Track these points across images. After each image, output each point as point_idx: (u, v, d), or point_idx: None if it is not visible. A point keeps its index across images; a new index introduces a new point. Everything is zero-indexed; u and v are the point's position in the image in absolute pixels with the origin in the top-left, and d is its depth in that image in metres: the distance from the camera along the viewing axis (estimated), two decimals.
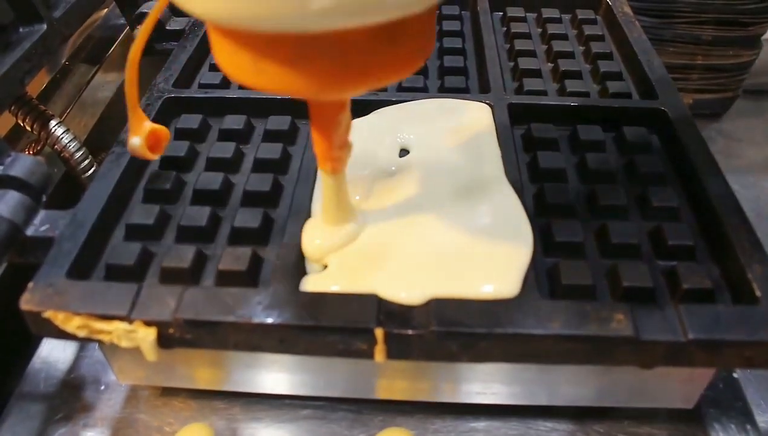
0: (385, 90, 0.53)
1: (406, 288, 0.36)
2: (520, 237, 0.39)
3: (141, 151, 0.41)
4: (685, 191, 0.44)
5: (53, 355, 0.48)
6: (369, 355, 0.34)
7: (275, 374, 0.42)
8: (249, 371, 0.42)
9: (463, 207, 0.41)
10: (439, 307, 0.35)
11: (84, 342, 0.48)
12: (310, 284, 0.37)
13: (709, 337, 0.33)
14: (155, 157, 0.43)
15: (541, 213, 0.42)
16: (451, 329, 0.34)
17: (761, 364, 0.35)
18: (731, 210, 0.40)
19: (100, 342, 0.36)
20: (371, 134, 0.48)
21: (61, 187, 0.54)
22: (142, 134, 0.41)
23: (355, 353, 0.34)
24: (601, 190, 0.43)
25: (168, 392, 0.45)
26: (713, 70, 0.82)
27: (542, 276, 0.38)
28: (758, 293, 0.35)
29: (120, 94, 0.67)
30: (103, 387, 0.46)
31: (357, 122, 0.49)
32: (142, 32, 0.36)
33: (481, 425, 0.43)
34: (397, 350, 0.35)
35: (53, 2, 0.52)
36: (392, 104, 0.50)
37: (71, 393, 0.46)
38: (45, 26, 0.49)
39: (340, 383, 0.42)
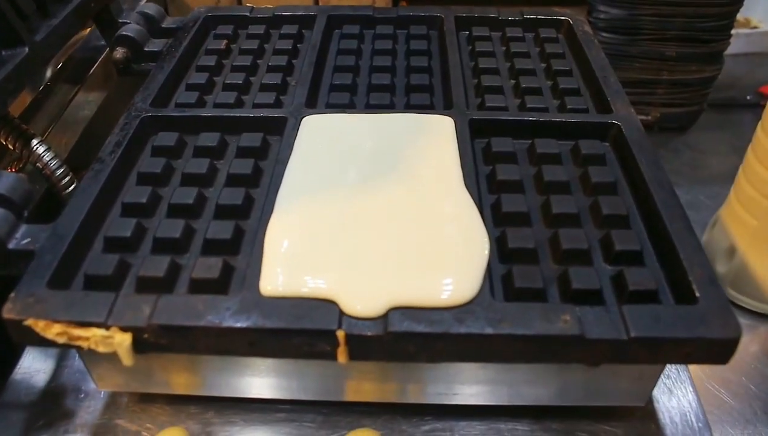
0: (353, 106, 0.55)
1: (364, 301, 0.38)
2: (476, 244, 0.41)
3: None
4: (635, 200, 0.47)
5: (35, 365, 0.50)
6: (332, 356, 0.37)
7: (248, 379, 0.44)
8: (223, 376, 0.44)
9: (422, 215, 0.43)
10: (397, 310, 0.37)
11: (64, 350, 0.50)
12: (270, 289, 0.39)
13: (649, 335, 0.36)
14: None
15: (498, 222, 0.44)
16: (408, 330, 0.36)
17: (699, 359, 0.37)
18: (676, 217, 0.43)
19: (79, 348, 0.37)
20: (337, 143, 0.50)
21: (43, 204, 0.56)
22: None
23: (319, 354, 0.37)
24: (556, 200, 0.45)
25: (146, 398, 0.47)
26: (678, 85, 0.85)
27: (497, 281, 0.41)
28: (697, 294, 0.38)
29: (100, 113, 0.69)
30: (83, 395, 0.47)
31: (323, 129, 0.51)
32: None
33: (445, 425, 0.45)
34: (358, 351, 0.37)
35: (35, 26, 0.54)
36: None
37: (52, 401, 0.47)
38: (27, 49, 0.51)
39: (310, 387, 0.44)
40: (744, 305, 0.59)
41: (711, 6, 0.78)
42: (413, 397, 0.44)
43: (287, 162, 0.48)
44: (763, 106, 0.92)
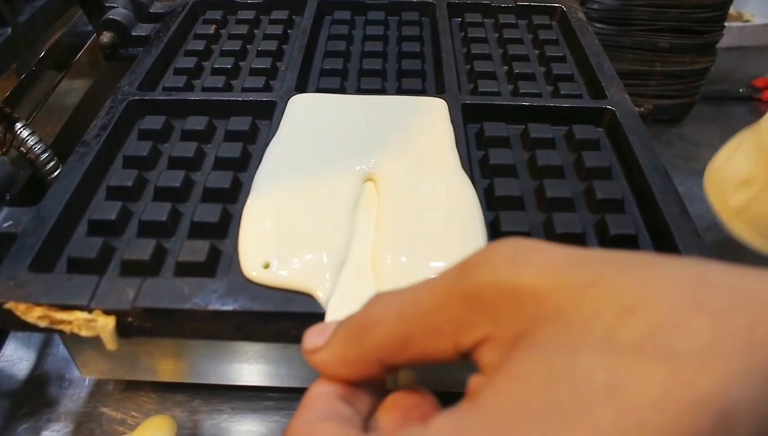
0: (344, 91, 0.55)
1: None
2: (476, 235, 0.40)
3: None
4: (629, 185, 0.46)
5: (17, 353, 0.49)
6: None
7: (236, 365, 0.43)
8: (210, 363, 0.43)
9: (414, 200, 0.42)
10: None
11: (47, 337, 0.49)
12: (255, 275, 0.38)
13: None
14: None
15: (491, 206, 0.44)
16: None
17: None
18: (671, 202, 0.42)
19: (62, 333, 0.36)
20: (325, 123, 0.49)
21: (28, 189, 0.55)
22: None
23: None
24: (550, 185, 0.44)
25: (131, 386, 0.46)
26: (671, 76, 0.85)
27: None
28: None
29: (86, 100, 0.68)
30: (66, 383, 0.47)
31: (311, 107, 0.50)
32: None
33: None
34: None
35: (19, 7, 0.53)
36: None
37: (35, 389, 0.46)
38: (9, 30, 0.50)
39: (299, 373, 0.43)
40: (757, 246, 0.54)
41: None
42: (403, 383, 0.44)
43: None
44: (756, 100, 0.93)
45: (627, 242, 0.41)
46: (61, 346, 0.48)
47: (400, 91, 0.55)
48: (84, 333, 0.36)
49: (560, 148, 0.49)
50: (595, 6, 0.78)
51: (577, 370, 0.16)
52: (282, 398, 0.45)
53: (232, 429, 0.44)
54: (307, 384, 0.43)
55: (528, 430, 0.16)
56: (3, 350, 0.49)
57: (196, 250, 0.39)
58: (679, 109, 0.89)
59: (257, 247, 0.39)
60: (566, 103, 0.52)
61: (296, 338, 0.36)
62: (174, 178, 0.45)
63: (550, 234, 0.41)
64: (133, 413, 0.45)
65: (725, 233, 0.72)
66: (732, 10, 0.84)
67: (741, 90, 0.95)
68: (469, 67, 0.59)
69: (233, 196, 0.44)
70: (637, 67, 0.83)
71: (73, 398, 0.46)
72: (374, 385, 0.25)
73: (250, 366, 0.43)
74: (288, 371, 0.43)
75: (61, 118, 0.64)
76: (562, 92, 0.54)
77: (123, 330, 0.36)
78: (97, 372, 0.44)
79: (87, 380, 0.46)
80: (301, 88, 0.55)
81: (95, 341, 0.36)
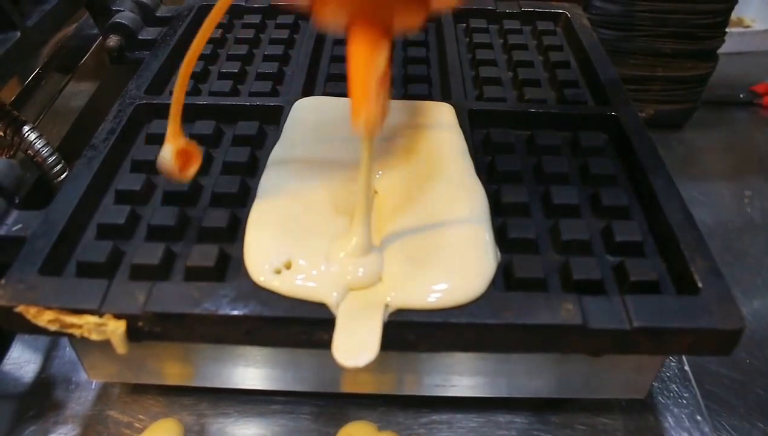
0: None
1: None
2: (485, 246, 0.40)
3: (169, 166, 0.40)
4: (634, 191, 0.46)
5: (24, 356, 0.49)
6: (330, 345, 0.36)
7: (243, 369, 0.43)
8: (217, 366, 0.43)
9: (429, 210, 0.42)
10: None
11: (54, 340, 0.49)
12: (263, 280, 0.38)
13: (652, 325, 0.35)
14: (183, 178, 0.41)
15: (498, 212, 0.44)
16: (409, 319, 0.35)
17: (702, 350, 0.37)
18: (676, 208, 0.42)
19: (71, 336, 0.36)
20: (329, 127, 0.49)
21: (35, 192, 0.55)
22: (175, 146, 0.40)
23: (317, 343, 0.36)
24: (556, 191, 0.45)
25: (138, 389, 0.46)
26: (673, 81, 0.85)
27: (498, 271, 0.40)
28: (699, 285, 0.37)
29: (92, 103, 0.68)
30: (73, 386, 0.47)
31: (316, 111, 0.50)
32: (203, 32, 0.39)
33: (443, 417, 0.45)
34: None
35: (27, 11, 0.53)
36: None
37: (42, 392, 0.46)
38: (18, 34, 0.50)
39: (306, 377, 0.44)
40: None
41: (706, 3, 0.78)
42: (410, 388, 0.44)
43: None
44: (757, 105, 0.93)
45: (633, 248, 0.41)
46: (67, 349, 0.48)
47: (406, 97, 0.55)
48: (94, 337, 0.36)
49: (565, 154, 0.49)
50: (598, 12, 0.79)
51: None
52: (288, 402, 0.45)
53: (239, 433, 0.44)
54: (314, 388, 0.44)
55: None
56: (9, 353, 0.49)
57: (206, 254, 0.40)
58: (681, 115, 0.89)
59: (264, 252, 0.39)
60: (571, 110, 0.52)
61: (305, 343, 0.36)
62: (182, 183, 0.45)
63: (557, 240, 0.42)
64: (140, 416, 0.45)
65: (728, 239, 0.72)
66: (732, 16, 0.84)
67: (741, 95, 0.95)
68: (474, 73, 0.59)
69: (242, 200, 0.44)
70: (639, 72, 0.83)
71: (80, 401, 0.46)
72: None
73: (257, 370, 0.43)
74: (295, 375, 0.43)
75: (67, 121, 0.65)
76: (567, 98, 0.54)
77: (133, 334, 0.36)
78: (104, 375, 0.44)
79: (94, 383, 0.46)
80: (308, 92, 0.55)
81: (103, 344, 0.36)
